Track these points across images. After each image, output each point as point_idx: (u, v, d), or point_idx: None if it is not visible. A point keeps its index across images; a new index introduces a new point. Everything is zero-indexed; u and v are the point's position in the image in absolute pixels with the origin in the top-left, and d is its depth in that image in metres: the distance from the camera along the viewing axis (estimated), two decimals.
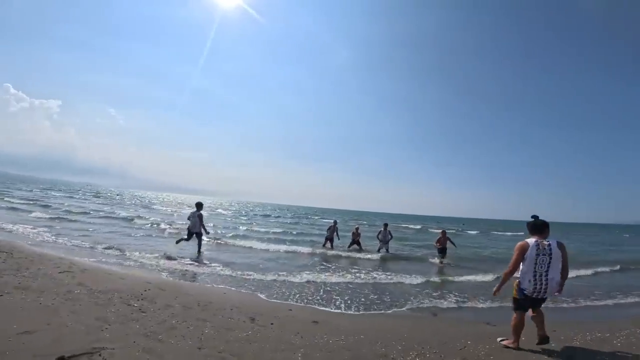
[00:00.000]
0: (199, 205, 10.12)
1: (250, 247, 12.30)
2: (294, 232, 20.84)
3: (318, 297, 6.32)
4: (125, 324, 3.98)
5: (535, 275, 3.51)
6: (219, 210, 47.98)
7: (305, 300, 6.06)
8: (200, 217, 9.94)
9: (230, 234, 16.63)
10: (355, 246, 13.69)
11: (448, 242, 11.93)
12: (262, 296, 6.17)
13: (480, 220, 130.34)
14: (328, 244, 13.75)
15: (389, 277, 8.52)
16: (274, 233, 19.69)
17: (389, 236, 13.44)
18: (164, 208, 37.85)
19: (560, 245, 3.61)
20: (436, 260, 11.88)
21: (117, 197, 54.66)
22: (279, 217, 42.41)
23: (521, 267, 3.62)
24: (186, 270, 7.99)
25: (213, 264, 8.81)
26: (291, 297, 6.25)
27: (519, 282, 3.69)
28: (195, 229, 9.92)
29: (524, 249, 3.59)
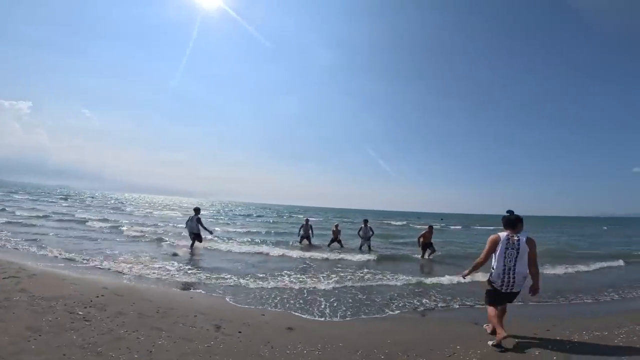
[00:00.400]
0: (197, 210, 11.03)
1: (227, 250, 11.31)
2: (273, 232, 19.76)
3: (295, 301, 5.73)
4: (60, 334, 3.42)
5: (504, 269, 3.62)
6: (205, 213, 45.61)
7: (281, 305, 5.48)
8: (199, 220, 10.74)
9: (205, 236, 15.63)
10: (335, 244, 13.28)
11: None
12: (234, 301, 5.59)
13: (458, 215, 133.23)
14: (305, 242, 13.42)
15: (371, 277, 7.93)
16: (252, 233, 18.65)
17: (370, 232, 13.13)
18: (136, 210, 35.86)
19: (529, 241, 3.65)
20: (420, 257, 11.44)
21: (89, 200, 51.90)
22: (260, 216, 40.80)
23: (493, 260, 3.73)
24: (152, 273, 7.28)
25: (184, 267, 8.12)
26: (266, 301, 5.65)
27: (490, 275, 3.80)
28: (194, 231, 10.71)
29: (495, 242, 3.70)
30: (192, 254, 10.19)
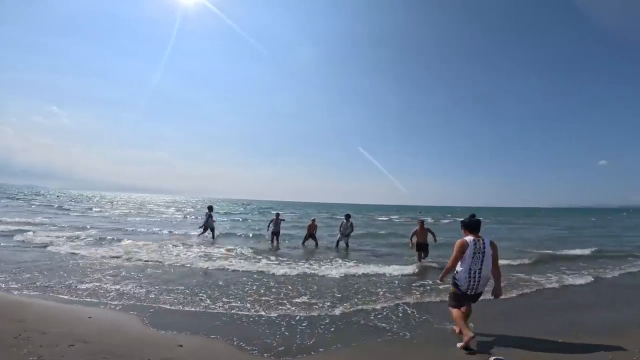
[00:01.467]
0: (210, 208, 13.79)
1: (178, 255, 8.91)
2: (238, 233, 16.14)
3: (233, 327, 4.10)
4: None
5: (470, 272, 3.68)
6: (170, 210, 38.27)
7: (213, 331, 3.92)
8: (211, 216, 13.17)
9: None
10: (310, 241, 11.99)
11: (428, 234, 9.32)
12: (150, 323, 4.08)
13: (436, 207, 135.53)
14: (275, 241, 12.09)
15: (344, 291, 6.02)
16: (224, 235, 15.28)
17: (350, 229, 11.76)
18: (83, 209, 31.72)
19: (492, 244, 3.78)
20: (415, 260, 9.17)
21: (40, 198, 47.79)
22: (235, 213, 38.80)
23: (459, 265, 3.77)
24: (47, 286, 5.60)
25: (100, 279, 6.20)
26: (193, 326, 4.06)
27: (455, 277, 3.83)
28: (210, 226, 13.06)
29: (463, 247, 3.73)
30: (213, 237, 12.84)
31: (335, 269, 7.88)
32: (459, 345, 3.59)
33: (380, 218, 39.04)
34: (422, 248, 9.28)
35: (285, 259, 9.00)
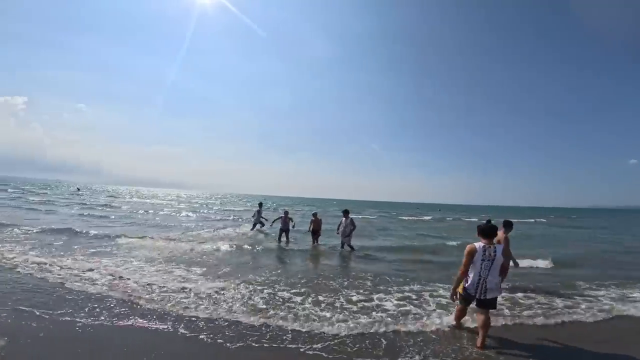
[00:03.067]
0: (261, 205, 15.19)
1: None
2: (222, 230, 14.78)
3: None
4: None
5: (479, 279, 3.69)
6: (181, 205, 36.17)
7: None
8: (260, 212, 14.45)
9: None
10: (314, 240, 11.30)
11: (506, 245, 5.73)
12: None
13: (455, 205, 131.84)
14: (285, 238, 11.80)
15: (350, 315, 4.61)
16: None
17: (351, 227, 10.27)
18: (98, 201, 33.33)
19: (502, 254, 3.74)
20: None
21: (59, 192, 49.26)
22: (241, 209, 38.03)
23: (470, 270, 3.79)
24: None
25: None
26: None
27: (465, 284, 3.84)
28: (258, 222, 14.29)
29: (472, 253, 3.71)
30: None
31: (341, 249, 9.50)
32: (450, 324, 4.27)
33: (404, 217, 33.89)
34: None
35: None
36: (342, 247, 10.33)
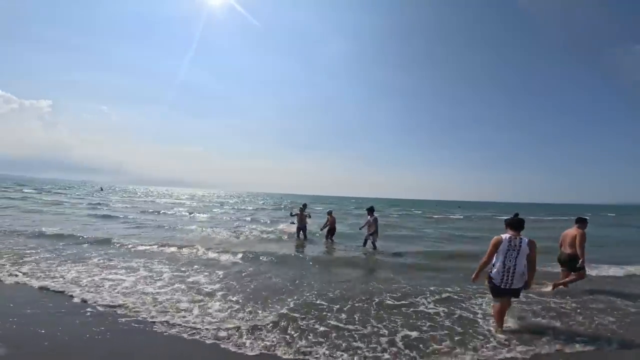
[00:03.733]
0: (305, 206, 12.01)
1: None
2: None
3: None
4: None
5: (504, 268, 3.89)
6: (187, 203, 37.60)
7: None
8: (302, 214, 11.74)
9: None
10: (328, 238, 11.31)
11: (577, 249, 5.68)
12: None
13: (473, 203, 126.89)
14: (302, 236, 11.62)
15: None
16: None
17: (375, 226, 9.89)
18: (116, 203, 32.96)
19: (531, 243, 3.89)
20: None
21: (80, 192, 49.92)
22: (258, 208, 36.44)
23: (494, 259, 3.99)
24: None
25: None
26: None
27: (490, 272, 4.04)
28: (302, 225, 11.69)
29: (497, 243, 3.96)
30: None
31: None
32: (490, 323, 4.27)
33: (433, 216, 31.27)
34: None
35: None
36: (365, 244, 10.12)
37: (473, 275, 4.18)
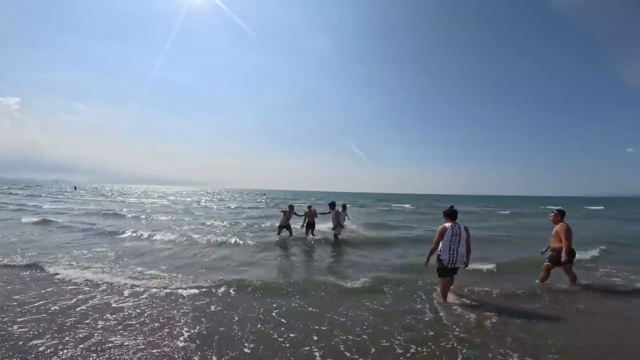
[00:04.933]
0: (291, 208, 11.45)
1: None
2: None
3: None
4: None
5: (450, 250, 4.79)
6: (169, 199, 40.92)
7: None
8: (292, 211, 11.36)
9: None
10: (308, 234, 11.25)
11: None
12: None
13: (453, 196, 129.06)
14: (285, 232, 11.36)
15: None
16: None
17: (346, 219, 11.32)
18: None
19: (466, 229, 4.90)
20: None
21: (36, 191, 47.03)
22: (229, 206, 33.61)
23: (441, 244, 4.84)
24: None
25: None
26: None
27: (439, 255, 4.87)
28: (286, 223, 11.28)
29: (443, 231, 4.81)
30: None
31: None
32: (436, 298, 5.13)
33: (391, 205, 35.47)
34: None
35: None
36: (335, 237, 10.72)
37: (425, 260, 5.07)
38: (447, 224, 4.81)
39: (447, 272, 4.87)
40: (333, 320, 4.26)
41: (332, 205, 11.06)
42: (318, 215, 11.48)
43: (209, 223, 15.67)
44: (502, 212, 32.52)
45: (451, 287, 5.14)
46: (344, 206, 11.40)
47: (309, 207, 11.55)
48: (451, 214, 4.90)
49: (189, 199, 41.98)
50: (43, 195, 39.81)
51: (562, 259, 5.53)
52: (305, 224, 11.30)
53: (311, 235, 11.10)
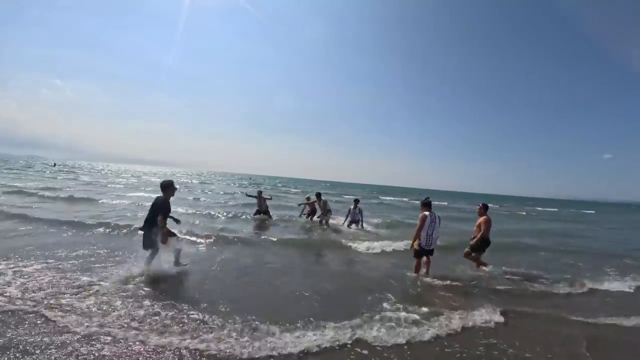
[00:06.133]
0: (357, 201, 11.43)
1: None
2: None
3: None
4: None
5: (427, 235, 5.76)
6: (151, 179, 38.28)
7: None
8: (260, 197, 11.81)
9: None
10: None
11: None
12: None
13: (438, 192, 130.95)
14: (262, 216, 11.84)
15: None
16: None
17: (359, 216, 11.28)
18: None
19: (439, 217, 5.92)
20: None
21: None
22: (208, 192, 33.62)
23: (422, 231, 5.78)
24: None
25: None
26: None
27: (419, 239, 5.80)
28: (262, 209, 11.79)
29: (424, 219, 5.76)
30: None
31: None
32: (408, 273, 6.06)
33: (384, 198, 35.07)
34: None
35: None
36: (350, 226, 11.09)
37: (412, 243, 5.94)
38: (427, 213, 5.83)
39: (422, 253, 5.90)
40: None
41: (319, 196, 11.75)
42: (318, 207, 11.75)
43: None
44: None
45: (429, 263, 6.07)
46: (356, 202, 11.32)
47: (260, 192, 12.16)
48: (428, 205, 5.96)
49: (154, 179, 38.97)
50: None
51: (471, 242, 6.63)
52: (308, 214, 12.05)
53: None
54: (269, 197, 12.40)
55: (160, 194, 5.11)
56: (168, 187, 5.11)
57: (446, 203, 37.29)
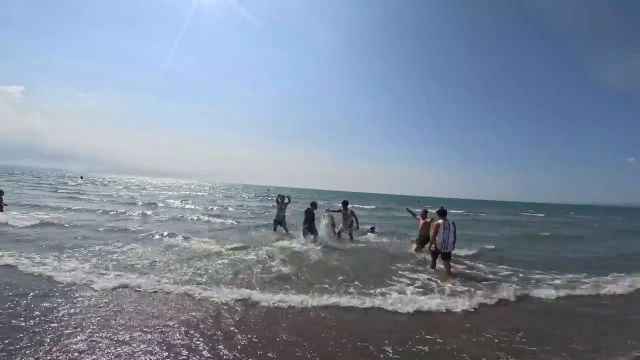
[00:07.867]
0: (283, 197, 11.35)
1: None
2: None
3: None
4: None
5: (444, 240, 6.90)
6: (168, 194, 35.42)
7: None
8: (283, 204, 11.29)
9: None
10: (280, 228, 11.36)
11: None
12: None
13: (455, 200, 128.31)
14: (280, 229, 11.33)
15: None
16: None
17: (352, 218, 10.55)
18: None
19: (454, 224, 7.08)
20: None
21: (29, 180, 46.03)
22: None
23: (437, 236, 6.94)
24: None
25: None
26: None
27: (435, 245, 7.03)
28: (279, 218, 11.19)
29: (439, 226, 6.91)
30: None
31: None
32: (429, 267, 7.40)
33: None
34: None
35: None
36: (339, 235, 10.62)
37: (431, 247, 7.16)
38: (441, 220, 6.92)
39: (438, 255, 7.04)
40: None
41: (345, 204, 10.51)
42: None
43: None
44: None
45: (449, 265, 7.03)
46: (345, 204, 10.43)
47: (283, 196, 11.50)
48: (443, 213, 7.07)
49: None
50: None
51: (414, 240, 9.70)
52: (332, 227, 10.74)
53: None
54: (287, 200, 11.24)
55: (309, 207, 9.85)
56: (314, 204, 10.15)
57: (462, 211, 38.17)
